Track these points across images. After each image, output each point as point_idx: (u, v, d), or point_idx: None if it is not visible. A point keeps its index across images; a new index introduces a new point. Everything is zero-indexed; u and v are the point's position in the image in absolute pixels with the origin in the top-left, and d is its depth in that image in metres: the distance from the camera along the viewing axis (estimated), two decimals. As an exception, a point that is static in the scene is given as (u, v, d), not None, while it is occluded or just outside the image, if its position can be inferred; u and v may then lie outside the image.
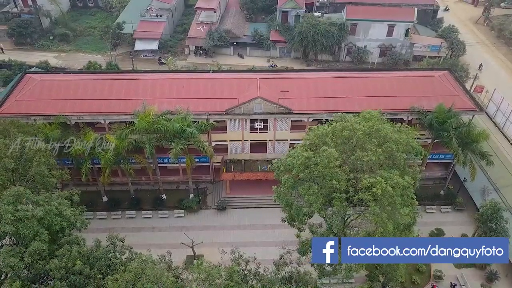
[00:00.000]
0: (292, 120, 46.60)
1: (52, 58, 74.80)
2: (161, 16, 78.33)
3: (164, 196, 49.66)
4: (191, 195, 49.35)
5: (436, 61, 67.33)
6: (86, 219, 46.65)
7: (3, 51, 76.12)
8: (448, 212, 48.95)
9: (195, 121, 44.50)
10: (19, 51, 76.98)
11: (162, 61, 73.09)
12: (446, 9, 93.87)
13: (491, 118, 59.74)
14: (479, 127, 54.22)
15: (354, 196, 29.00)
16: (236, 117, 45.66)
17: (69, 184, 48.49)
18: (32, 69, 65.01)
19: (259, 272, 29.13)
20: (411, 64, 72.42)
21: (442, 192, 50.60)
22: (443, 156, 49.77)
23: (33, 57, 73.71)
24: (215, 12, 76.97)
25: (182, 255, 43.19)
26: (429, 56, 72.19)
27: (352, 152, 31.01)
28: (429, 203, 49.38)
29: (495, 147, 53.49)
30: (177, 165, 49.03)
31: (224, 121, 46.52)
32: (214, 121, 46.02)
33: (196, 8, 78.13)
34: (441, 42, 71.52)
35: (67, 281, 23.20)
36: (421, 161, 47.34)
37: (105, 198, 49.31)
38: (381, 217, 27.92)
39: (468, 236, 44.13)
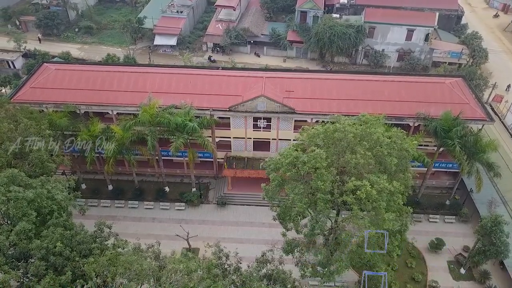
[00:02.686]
0: (295, 120, 46.57)
1: (75, 50, 77.44)
2: (181, 12, 79.59)
3: (167, 189, 50.65)
4: (193, 189, 50.11)
5: (454, 68, 65.57)
6: (90, 206, 48.99)
7: (40, 41, 79.45)
8: (452, 222, 47.75)
9: (198, 116, 45.20)
10: (45, 41, 79.93)
11: (212, 59, 73.89)
12: (496, 16, 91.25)
13: (507, 129, 57.85)
14: (493, 137, 52.75)
15: (339, 198, 28.84)
16: (239, 114, 46.04)
17: (77, 171, 50.16)
18: (54, 59, 67.69)
19: (240, 267, 29.39)
20: (430, 70, 70.79)
21: (447, 202, 49.39)
22: (450, 165, 48.57)
23: (58, 48, 76.34)
24: (234, 10, 77.61)
25: (178, 247, 43.84)
26: (449, 63, 70.44)
27: (342, 154, 30.79)
28: (432, 212, 48.33)
29: (508, 159, 51.87)
30: (182, 158, 49.88)
31: (228, 118, 46.97)
32: (218, 117, 46.55)
33: (216, 5, 78.99)
34: (462, 49, 69.51)
35: (47, 261, 24.26)
36: (426, 169, 46.39)
37: (110, 187, 50.71)
38: (364, 221, 27.68)
39: (470, 248, 42.87)
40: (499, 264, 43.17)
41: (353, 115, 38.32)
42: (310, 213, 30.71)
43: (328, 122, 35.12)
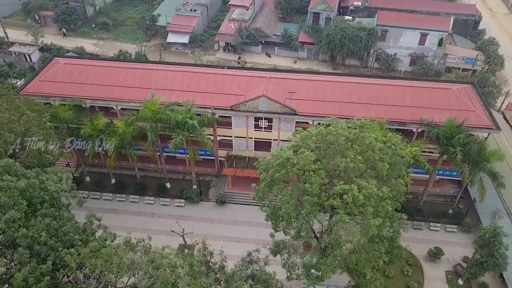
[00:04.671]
0: (297, 122, 46.34)
1: (90, 45, 79.00)
2: (195, 11, 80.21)
3: (168, 185, 51.18)
4: (194, 187, 50.49)
5: (467, 74, 64.12)
6: (93, 198, 49.92)
7: (65, 36, 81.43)
8: (453, 232, 46.73)
9: (200, 114, 45.52)
10: (61, 36, 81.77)
11: (241, 60, 73.88)
12: None
13: (519, 139, 56.27)
14: (503, 147, 51.50)
15: (326, 201, 28.62)
16: (241, 113, 46.15)
17: (82, 164, 51.17)
18: (68, 54, 69.23)
19: (224, 266, 29.52)
20: (443, 75, 69.33)
21: (450, 211, 48.32)
22: (455, 173, 47.47)
23: (74, 43, 78.06)
24: (247, 10, 77.74)
25: (175, 243, 44.18)
26: (463, 69, 68.88)
27: (333, 157, 30.52)
28: (434, 220, 47.38)
29: (517, 169, 50.42)
30: (184, 155, 50.31)
31: (230, 116, 47.13)
32: (220, 116, 46.77)
33: (229, 5, 79.31)
34: (477, 55, 67.82)
35: (31, 249, 24.91)
36: (428, 176, 45.55)
37: (113, 181, 51.56)
38: (349, 225, 27.42)
39: (469, 259, 41.87)
40: (499, 277, 42.03)
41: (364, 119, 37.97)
42: (293, 218, 30.57)
43: (323, 124, 34.84)
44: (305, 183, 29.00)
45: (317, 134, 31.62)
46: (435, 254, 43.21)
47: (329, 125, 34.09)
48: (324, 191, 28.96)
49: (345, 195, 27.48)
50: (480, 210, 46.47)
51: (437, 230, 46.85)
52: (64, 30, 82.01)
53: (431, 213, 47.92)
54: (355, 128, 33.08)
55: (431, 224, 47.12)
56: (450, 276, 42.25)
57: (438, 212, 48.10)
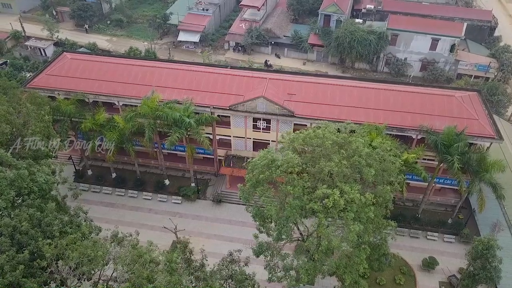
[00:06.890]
0: (295, 124, 46.17)
1: (103, 41, 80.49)
2: (207, 10, 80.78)
3: (166, 181, 51.71)
4: (192, 184, 50.88)
5: (477, 81, 62.61)
6: (93, 192, 50.89)
7: (87, 31, 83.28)
8: (451, 242, 45.73)
9: (198, 113, 45.83)
10: (77, 32, 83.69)
11: (269, 63, 73.82)
12: None
13: (528, 150, 54.53)
14: (509, 157, 50.15)
15: (307, 204, 28.44)
16: (239, 114, 46.26)
17: (84, 158, 52.19)
18: (81, 49, 70.72)
19: (204, 264, 29.69)
20: (454, 82, 67.83)
21: (450, 221, 47.27)
22: (456, 182, 46.33)
23: (88, 39, 79.46)
24: (258, 10, 77.73)
25: (169, 239, 44.65)
26: (475, 76, 67.29)
27: (318, 160, 30.30)
28: (431, 230, 46.44)
29: (523, 181, 48.90)
30: (184, 153, 50.70)
31: (229, 116, 47.30)
32: (219, 115, 47.01)
33: (241, 5, 79.52)
34: (490, 62, 66.13)
35: (12, 238, 25.61)
36: (427, 184, 44.74)
37: (114, 175, 52.41)
38: (330, 230, 27.20)
39: (464, 270, 40.89)
40: (495, 290, 40.92)
41: (354, 123, 37.67)
42: (274, 220, 30.47)
43: (313, 127, 34.64)
44: (287, 185, 28.88)
45: (304, 137, 31.42)
46: (429, 264, 42.38)
47: (319, 128, 33.87)
48: (307, 194, 28.76)
49: (326, 199, 27.27)
50: (480, 221, 45.43)
51: (434, 240, 45.93)
52: (86, 26, 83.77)
53: (430, 222, 46.98)
54: (345, 132, 32.75)
55: (428, 233, 46.23)
56: (443, 287, 41.38)
57: (437, 221, 47.08)
